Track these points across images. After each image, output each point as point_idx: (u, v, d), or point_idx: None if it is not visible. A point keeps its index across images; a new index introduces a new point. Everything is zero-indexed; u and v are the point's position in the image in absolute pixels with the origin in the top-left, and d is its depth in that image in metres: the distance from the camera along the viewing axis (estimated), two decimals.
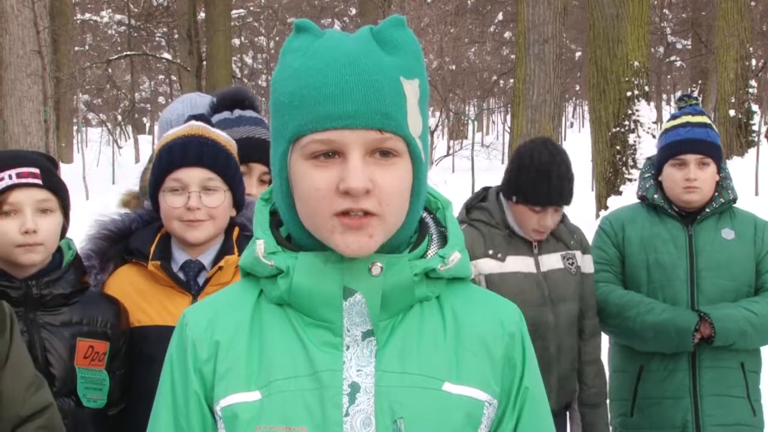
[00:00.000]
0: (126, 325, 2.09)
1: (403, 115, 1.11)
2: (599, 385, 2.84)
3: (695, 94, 28.34)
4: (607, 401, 2.89)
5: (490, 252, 2.66)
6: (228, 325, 1.19)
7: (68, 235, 2.13)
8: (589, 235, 2.96)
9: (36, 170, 1.97)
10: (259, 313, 1.19)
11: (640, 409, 2.78)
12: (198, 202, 2.05)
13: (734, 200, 2.83)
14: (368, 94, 1.08)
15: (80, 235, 2.25)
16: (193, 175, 2.06)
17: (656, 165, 2.88)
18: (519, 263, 2.68)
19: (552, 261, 2.74)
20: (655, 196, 2.83)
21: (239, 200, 2.17)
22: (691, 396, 2.70)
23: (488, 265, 2.65)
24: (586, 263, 2.82)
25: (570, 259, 2.77)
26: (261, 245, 1.17)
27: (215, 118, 2.60)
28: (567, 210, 2.82)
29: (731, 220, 2.82)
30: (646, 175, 2.91)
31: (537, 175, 2.63)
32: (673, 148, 2.77)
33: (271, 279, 1.17)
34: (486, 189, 2.87)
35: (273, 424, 1.12)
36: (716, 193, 2.81)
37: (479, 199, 2.83)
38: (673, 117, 2.87)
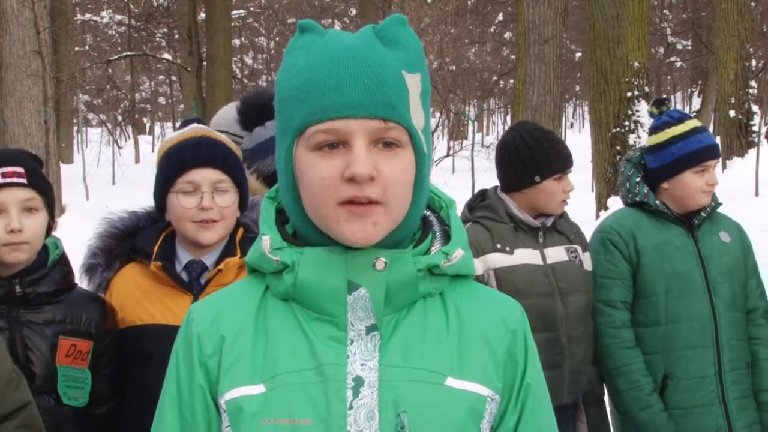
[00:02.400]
0: (112, 325, 2.09)
1: (405, 106, 1.13)
2: (598, 382, 2.87)
3: (695, 94, 28.35)
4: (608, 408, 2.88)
5: (498, 246, 2.65)
6: (233, 320, 1.20)
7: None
8: (588, 236, 2.93)
9: (21, 169, 1.98)
10: (265, 308, 1.20)
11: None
12: (211, 202, 2.06)
13: (719, 204, 2.85)
14: (371, 85, 1.10)
15: (81, 234, 2.26)
16: (205, 176, 2.07)
17: (665, 171, 2.79)
18: (527, 255, 2.68)
19: (557, 253, 2.75)
20: (657, 202, 2.79)
21: (244, 201, 2.19)
22: (721, 402, 2.68)
23: (497, 259, 2.64)
24: (586, 260, 2.83)
25: (573, 252, 2.78)
26: (267, 241, 1.18)
27: (249, 143, 2.60)
28: (568, 208, 2.83)
29: (720, 224, 2.84)
30: (637, 180, 2.85)
31: (551, 144, 2.75)
32: (701, 155, 2.73)
33: (276, 274, 1.19)
34: (483, 191, 2.89)
35: (277, 417, 1.13)
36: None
37: (479, 200, 2.85)
38: (670, 122, 2.80)
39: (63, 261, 2.09)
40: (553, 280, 2.68)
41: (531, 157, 2.73)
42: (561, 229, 2.81)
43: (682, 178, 2.75)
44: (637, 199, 2.83)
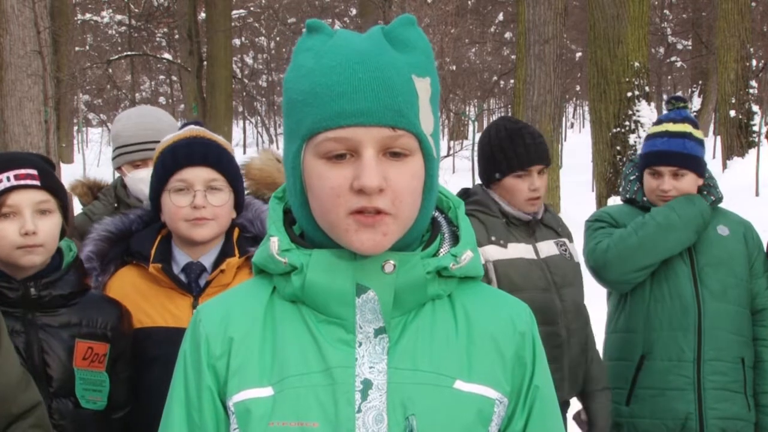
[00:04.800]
0: (129, 328, 2.08)
1: (415, 112, 1.12)
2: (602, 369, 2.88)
3: (696, 94, 28.32)
4: None
5: (493, 239, 2.65)
6: (241, 321, 1.19)
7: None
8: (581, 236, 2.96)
9: (34, 171, 1.97)
10: (272, 309, 1.20)
11: (640, 399, 2.77)
12: (204, 201, 2.06)
13: (720, 200, 2.87)
14: (381, 91, 1.09)
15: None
16: (198, 175, 2.07)
17: (639, 169, 2.92)
18: (521, 249, 2.69)
19: (549, 247, 2.76)
20: (644, 198, 2.86)
21: (239, 202, 2.18)
22: (695, 389, 2.70)
23: (493, 252, 2.64)
24: (574, 251, 2.85)
25: (563, 245, 2.80)
26: (275, 242, 1.17)
27: None
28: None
29: (721, 218, 2.87)
30: (631, 178, 2.94)
31: (510, 141, 2.71)
32: (648, 159, 2.82)
33: (284, 276, 1.18)
34: (466, 189, 2.88)
35: (286, 419, 1.12)
36: (705, 192, 2.86)
37: (464, 197, 2.83)
38: (658, 121, 2.88)
39: (77, 263, 2.08)
40: (548, 274, 2.69)
41: (491, 154, 2.74)
42: (548, 223, 2.82)
43: (644, 177, 2.87)
44: (628, 195, 2.92)
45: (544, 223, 2.81)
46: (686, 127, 2.82)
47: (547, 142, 2.82)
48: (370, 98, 1.08)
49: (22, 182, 1.94)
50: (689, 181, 2.80)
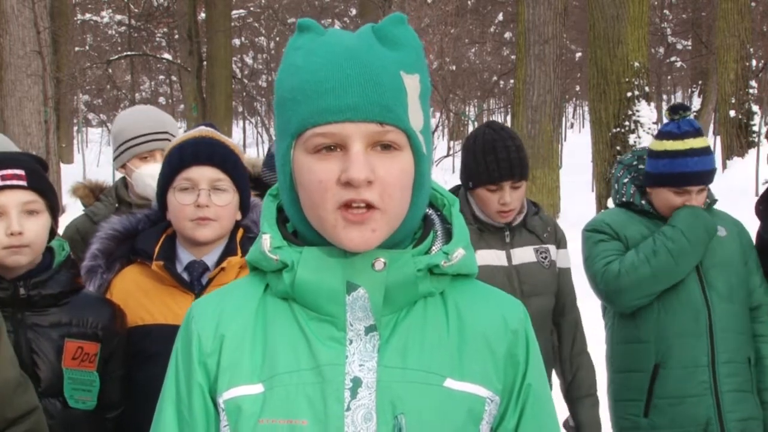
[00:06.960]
0: (122, 328, 2.09)
1: (403, 108, 1.12)
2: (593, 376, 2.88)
3: (696, 94, 28.30)
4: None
5: None
6: (233, 318, 1.20)
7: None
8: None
9: (21, 172, 1.97)
10: (264, 307, 1.20)
11: (658, 409, 2.73)
12: (207, 200, 2.07)
13: (715, 201, 2.87)
14: (368, 87, 1.09)
15: None
16: (204, 174, 2.08)
17: (650, 179, 2.81)
18: (489, 256, 2.67)
19: (524, 254, 2.73)
20: (643, 202, 2.83)
21: (245, 204, 2.19)
22: (713, 393, 2.69)
23: None
24: (562, 258, 2.82)
25: (543, 253, 2.76)
26: (267, 240, 1.18)
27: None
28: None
29: (717, 220, 2.85)
30: (624, 181, 2.90)
31: (483, 154, 2.68)
32: (682, 179, 2.74)
33: (276, 273, 1.19)
34: (458, 187, 2.88)
35: (275, 417, 1.13)
36: None
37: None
38: (672, 134, 2.77)
39: (70, 263, 2.08)
40: (516, 282, 2.68)
41: (467, 163, 2.73)
42: (532, 228, 2.79)
43: (661, 192, 2.79)
44: (624, 199, 2.87)
45: (528, 228, 2.78)
46: (706, 141, 2.80)
47: (526, 154, 2.74)
48: (357, 94, 1.09)
49: (9, 183, 1.95)
50: (705, 194, 2.81)
